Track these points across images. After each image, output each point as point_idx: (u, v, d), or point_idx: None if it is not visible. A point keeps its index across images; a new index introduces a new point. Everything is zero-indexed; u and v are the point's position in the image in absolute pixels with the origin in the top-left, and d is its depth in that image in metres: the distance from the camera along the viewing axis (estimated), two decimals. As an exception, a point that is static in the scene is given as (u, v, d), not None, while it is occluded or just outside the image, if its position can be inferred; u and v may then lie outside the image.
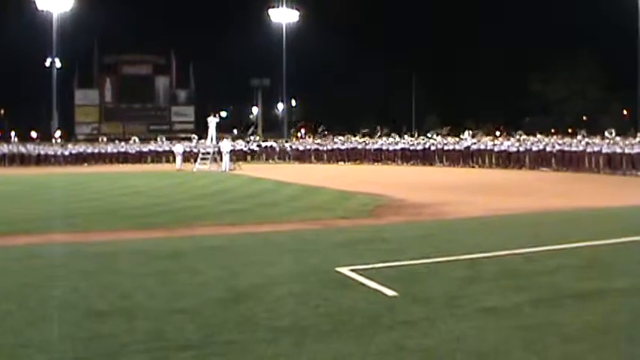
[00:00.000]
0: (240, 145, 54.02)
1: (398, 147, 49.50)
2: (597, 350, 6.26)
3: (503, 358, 6.06)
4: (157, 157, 54.31)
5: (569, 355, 6.14)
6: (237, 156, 47.94)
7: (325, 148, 53.26)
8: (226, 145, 43.25)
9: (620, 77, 72.75)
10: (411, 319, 7.26)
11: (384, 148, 50.18)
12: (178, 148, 47.62)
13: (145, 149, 55.46)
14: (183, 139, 59.39)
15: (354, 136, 53.99)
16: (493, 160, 42.95)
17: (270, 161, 53.89)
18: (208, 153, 43.90)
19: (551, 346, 6.39)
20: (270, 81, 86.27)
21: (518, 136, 43.26)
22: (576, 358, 6.06)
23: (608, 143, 36.71)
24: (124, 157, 53.71)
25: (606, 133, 37.99)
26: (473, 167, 42.93)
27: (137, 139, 57.28)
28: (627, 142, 36.20)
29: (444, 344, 6.44)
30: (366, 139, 52.91)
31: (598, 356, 6.09)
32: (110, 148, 54.96)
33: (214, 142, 44.35)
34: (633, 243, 12.46)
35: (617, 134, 38.13)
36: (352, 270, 9.64)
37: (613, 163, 35.97)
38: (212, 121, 44.61)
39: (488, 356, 6.11)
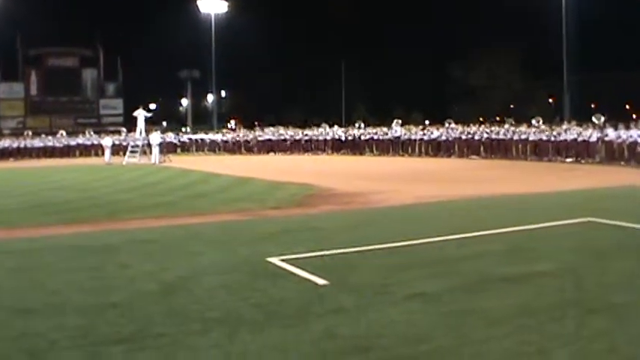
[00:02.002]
0: (169, 137, 53.60)
1: (328, 137, 49.69)
2: (520, 332, 6.42)
3: (430, 342, 6.16)
4: (86, 150, 53.44)
5: (493, 337, 6.28)
6: (167, 148, 47.56)
7: (255, 139, 53.18)
8: (156, 137, 42.89)
9: (546, 65, 74.07)
10: (342, 307, 7.33)
11: (314, 138, 50.33)
12: (107, 141, 46.92)
13: (72, 143, 54.51)
14: (112, 132, 58.54)
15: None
16: (423, 149, 43.42)
17: (201, 153, 53.63)
18: (138, 146, 43.52)
19: (476, 329, 6.53)
20: (200, 72, 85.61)
21: (447, 125, 43.74)
22: (500, 340, 6.20)
23: (535, 131, 37.44)
24: (51, 152, 52.78)
25: (533, 122, 38.74)
26: (403, 156, 43.32)
27: (64, 133, 56.24)
28: (553, 131, 36.99)
29: (374, 330, 6.53)
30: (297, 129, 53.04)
31: (521, 337, 6.25)
32: (37, 143, 53.96)
33: (143, 134, 43.95)
34: (557, 227, 12.78)
35: (543, 122, 38.96)
36: (283, 260, 9.68)
37: (539, 150, 36.73)
38: (141, 114, 44.12)
39: (416, 341, 6.21)
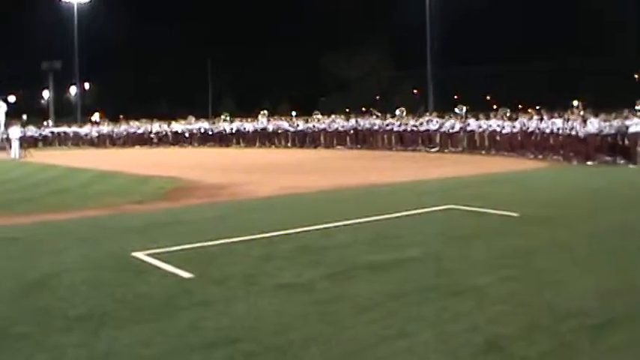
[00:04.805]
0: (30, 131, 52.02)
1: (195, 129, 49.36)
2: (388, 316, 6.57)
3: (300, 332, 6.21)
4: (-60, 146, 51.29)
5: (360, 323, 6.40)
6: (28, 142, 46.15)
7: (121, 133, 52.27)
8: (15, 131, 41.48)
9: (411, 57, 75.74)
10: (208, 300, 7.30)
11: (181, 131, 49.91)
12: (-37, 136, 45.15)
13: None
14: (-31, 127, 56.35)
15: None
16: (289, 140, 43.66)
17: (64, 147, 52.29)
18: (-4, 140, 42.09)
19: (345, 316, 6.63)
20: (62, 64, 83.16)
21: (314, 116, 44.19)
22: (369, 325, 6.32)
23: (400, 124, 38.14)
24: None
25: (397, 112, 39.47)
26: (269, 148, 43.46)
27: None
28: (417, 121, 37.81)
29: (242, 322, 6.53)
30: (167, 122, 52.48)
31: (389, 322, 6.40)
32: None
33: (2, 128, 42.52)
34: (421, 215, 13.15)
35: (407, 112, 39.77)
36: (148, 254, 9.55)
37: (404, 140, 37.49)
38: (0, 107, 42.68)
39: (285, 331, 6.24)
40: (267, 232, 11.10)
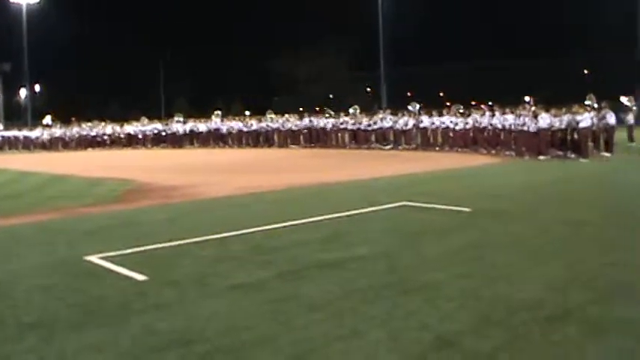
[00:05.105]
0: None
1: (148, 131, 49.11)
2: (340, 315, 6.59)
3: (252, 331, 6.22)
4: None
5: (312, 322, 6.42)
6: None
7: (74, 135, 51.78)
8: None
9: (365, 57, 76.16)
10: (162, 302, 7.27)
11: (134, 132, 49.63)
12: None
13: None
14: None
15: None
16: (243, 140, 43.63)
17: (14, 151, 51.66)
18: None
19: (296, 315, 6.65)
20: (12, 66, 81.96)
21: (268, 115, 44.22)
22: (319, 324, 6.35)
23: (354, 122, 38.29)
24: None
25: (350, 110, 39.64)
26: (223, 148, 43.40)
27: None
28: (370, 119, 38.00)
29: (195, 323, 6.52)
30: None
31: (340, 321, 6.42)
32: None
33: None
34: (374, 212, 13.24)
35: (361, 111, 39.97)
36: (101, 258, 9.47)
37: (358, 139, 37.65)
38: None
39: (238, 331, 6.25)
40: (219, 233, 11.09)
